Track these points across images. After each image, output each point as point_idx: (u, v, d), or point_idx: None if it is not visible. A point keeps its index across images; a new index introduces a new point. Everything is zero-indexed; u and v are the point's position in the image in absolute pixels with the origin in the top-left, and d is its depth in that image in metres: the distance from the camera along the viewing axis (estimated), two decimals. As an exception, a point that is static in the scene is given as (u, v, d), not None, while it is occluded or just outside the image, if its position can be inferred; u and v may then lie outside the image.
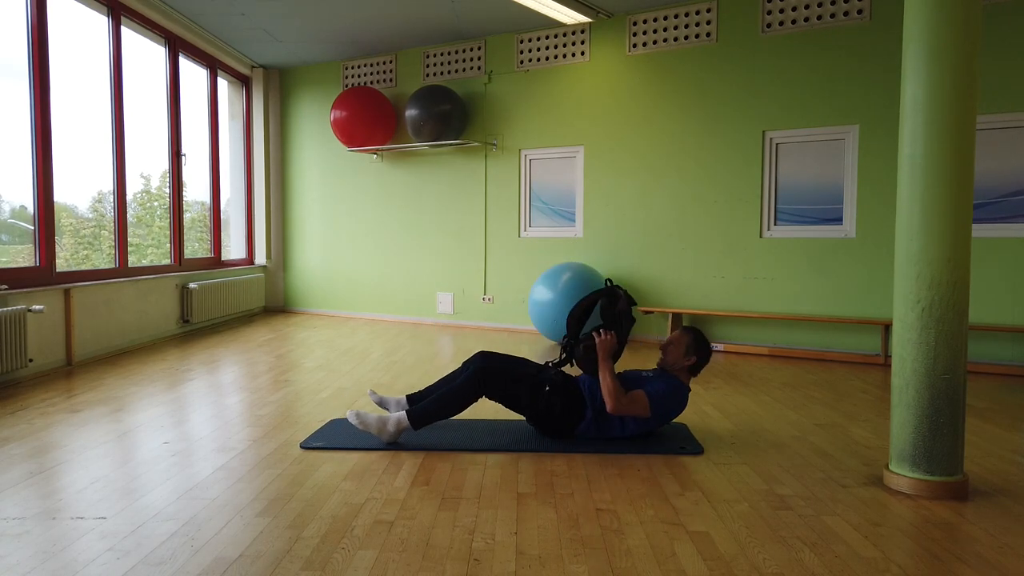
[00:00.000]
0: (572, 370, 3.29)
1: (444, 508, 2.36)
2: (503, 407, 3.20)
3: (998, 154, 4.81)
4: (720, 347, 5.65)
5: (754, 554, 2.04)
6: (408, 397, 3.30)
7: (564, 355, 3.17)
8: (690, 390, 3.15)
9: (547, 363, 3.22)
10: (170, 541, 2.09)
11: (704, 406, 3.80)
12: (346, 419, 3.17)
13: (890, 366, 4.40)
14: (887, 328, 5.02)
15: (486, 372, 3.03)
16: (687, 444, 3.06)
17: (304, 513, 2.31)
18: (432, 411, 3.02)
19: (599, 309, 3.17)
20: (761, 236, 5.62)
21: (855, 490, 2.56)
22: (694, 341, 3.11)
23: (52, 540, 2.09)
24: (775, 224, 5.60)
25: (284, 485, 2.57)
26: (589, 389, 3.09)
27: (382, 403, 3.31)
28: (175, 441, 3.10)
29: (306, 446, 3.00)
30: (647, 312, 5.96)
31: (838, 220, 5.36)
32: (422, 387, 3.56)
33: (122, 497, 2.43)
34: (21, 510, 2.31)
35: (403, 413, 3.01)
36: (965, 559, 2.02)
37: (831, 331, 5.38)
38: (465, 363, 3.23)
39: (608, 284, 3.19)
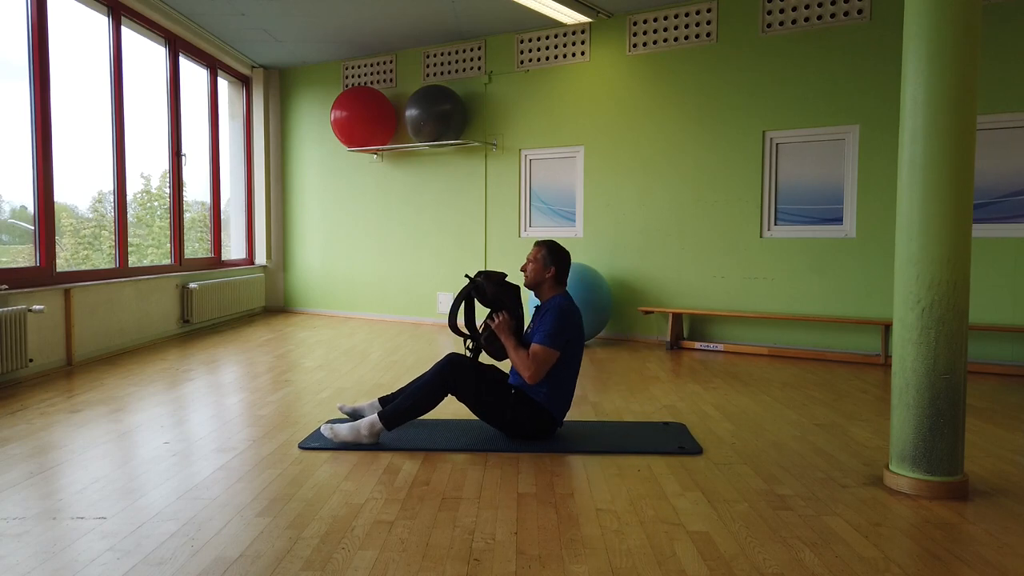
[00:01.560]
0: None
1: (444, 508, 2.36)
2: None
3: (998, 154, 4.81)
4: (720, 347, 5.65)
5: (754, 554, 2.04)
6: (380, 400, 3.30)
7: (473, 354, 3.20)
8: (568, 297, 3.17)
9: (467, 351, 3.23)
10: (170, 541, 2.09)
11: (704, 406, 3.80)
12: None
13: (890, 366, 4.40)
14: (887, 328, 5.02)
15: (455, 364, 3.04)
16: (687, 444, 3.06)
17: (304, 513, 2.31)
18: (403, 409, 3.01)
19: (479, 304, 3.20)
20: (761, 236, 5.62)
21: (855, 490, 2.55)
22: (549, 252, 3.16)
23: (52, 540, 2.09)
24: (775, 224, 5.60)
25: (284, 485, 2.57)
26: (517, 379, 3.11)
27: (354, 413, 3.33)
28: (175, 441, 3.10)
29: (305, 446, 3.00)
30: (647, 312, 5.96)
31: (838, 220, 5.36)
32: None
33: (122, 497, 2.43)
34: (21, 510, 2.31)
35: (375, 416, 3.00)
36: (965, 559, 2.02)
37: (831, 331, 5.38)
38: (434, 366, 3.23)
39: (467, 278, 3.21)
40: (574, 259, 6.21)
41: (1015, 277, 4.79)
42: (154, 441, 3.09)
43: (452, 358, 3.08)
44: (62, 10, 4.99)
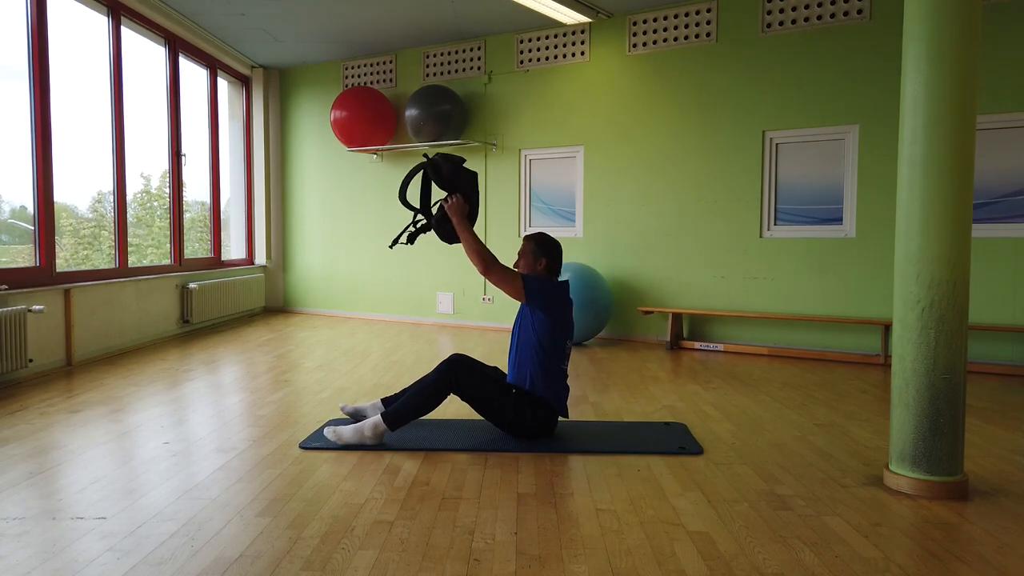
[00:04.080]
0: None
1: (444, 508, 2.36)
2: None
3: (998, 154, 4.81)
4: (720, 347, 5.65)
5: (754, 554, 2.04)
6: (383, 400, 3.30)
7: (417, 230, 3.14)
8: (561, 279, 3.16)
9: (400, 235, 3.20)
10: (170, 541, 2.09)
11: (704, 406, 3.80)
12: (340, 422, 3.18)
13: (890, 366, 4.40)
14: (887, 328, 5.02)
15: (458, 365, 3.03)
16: (687, 444, 3.06)
17: (304, 513, 2.31)
18: (406, 409, 3.01)
19: (436, 186, 3.15)
20: (761, 236, 5.62)
21: (855, 490, 2.55)
22: (537, 245, 3.15)
23: (52, 540, 2.09)
24: (775, 224, 5.60)
25: (284, 485, 2.56)
26: (513, 378, 3.10)
27: (356, 413, 3.32)
28: (175, 441, 3.10)
29: (306, 446, 3.00)
30: (647, 312, 5.96)
31: (838, 220, 5.36)
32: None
33: (122, 497, 2.43)
34: (21, 510, 2.31)
35: (378, 417, 3.00)
36: (965, 559, 2.02)
37: (831, 331, 5.38)
38: (437, 366, 3.24)
39: (424, 157, 3.17)
40: (574, 259, 6.27)
41: (1015, 277, 4.79)
42: (154, 441, 3.09)
43: (454, 358, 3.08)
44: (62, 10, 4.99)
